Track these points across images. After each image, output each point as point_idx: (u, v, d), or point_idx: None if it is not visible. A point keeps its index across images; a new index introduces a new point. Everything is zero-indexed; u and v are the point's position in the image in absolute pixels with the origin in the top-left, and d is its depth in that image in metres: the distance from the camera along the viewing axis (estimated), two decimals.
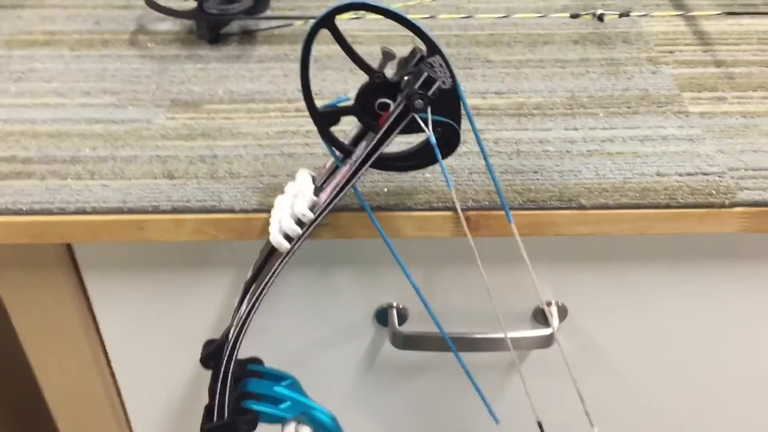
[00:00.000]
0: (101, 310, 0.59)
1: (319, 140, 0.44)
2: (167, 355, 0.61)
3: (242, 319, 0.46)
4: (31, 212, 0.49)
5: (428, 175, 0.51)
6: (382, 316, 0.59)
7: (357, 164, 0.43)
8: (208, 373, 0.48)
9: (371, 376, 0.64)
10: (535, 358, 0.62)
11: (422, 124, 0.41)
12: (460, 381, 0.65)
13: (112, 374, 0.63)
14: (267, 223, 0.48)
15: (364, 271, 0.57)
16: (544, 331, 0.56)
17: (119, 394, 0.65)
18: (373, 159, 0.43)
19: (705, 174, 0.51)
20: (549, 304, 0.59)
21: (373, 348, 0.61)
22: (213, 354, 0.47)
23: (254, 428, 0.48)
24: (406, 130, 0.42)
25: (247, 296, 0.46)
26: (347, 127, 0.45)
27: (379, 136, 0.42)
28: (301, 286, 0.57)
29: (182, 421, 0.66)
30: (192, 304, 0.58)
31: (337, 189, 0.43)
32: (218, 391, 0.47)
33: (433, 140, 0.42)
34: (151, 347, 0.61)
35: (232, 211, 0.49)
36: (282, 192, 0.48)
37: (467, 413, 0.67)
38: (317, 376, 0.60)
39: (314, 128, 0.43)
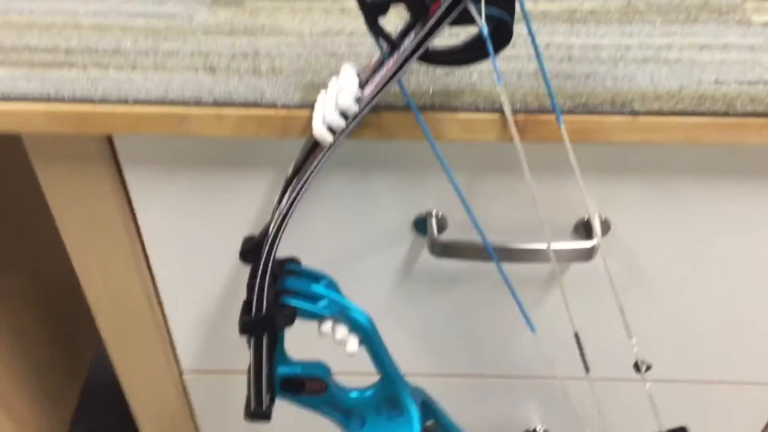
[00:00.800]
0: (141, 206, 0.59)
1: (363, 40, 0.42)
2: (206, 253, 0.62)
3: (282, 214, 0.46)
4: (73, 100, 0.49)
5: (475, 76, 0.50)
6: (420, 224, 0.59)
7: (404, 56, 0.41)
8: (246, 272, 0.48)
9: (407, 285, 0.63)
10: (573, 273, 0.61)
11: (475, 15, 0.40)
12: (497, 293, 0.65)
13: (151, 271, 0.64)
14: (309, 121, 0.47)
15: (404, 177, 0.56)
16: (587, 244, 0.55)
17: (157, 292, 0.66)
18: (421, 51, 0.41)
19: (767, 83, 0.48)
20: (592, 216, 0.57)
21: (411, 256, 0.61)
22: (252, 249, 0.47)
23: (291, 323, 0.48)
24: (457, 22, 0.40)
25: (288, 191, 0.46)
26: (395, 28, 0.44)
27: (428, 26, 0.40)
28: (341, 190, 0.57)
29: (220, 319, 0.67)
30: (231, 201, 0.58)
31: (383, 81, 0.42)
32: (257, 286, 0.47)
33: (486, 32, 0.40)
34: (190, 244, 0.61)
35: (274, 106, 0.48)
36: (326, 88, 0.47)
37: (502, 326, 0.67)
38: (352, 283, 0.59)
39: (359, 29, 0.41)
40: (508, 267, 0.53)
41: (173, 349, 0.70)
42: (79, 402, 1.21)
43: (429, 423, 0.59)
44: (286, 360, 0.52)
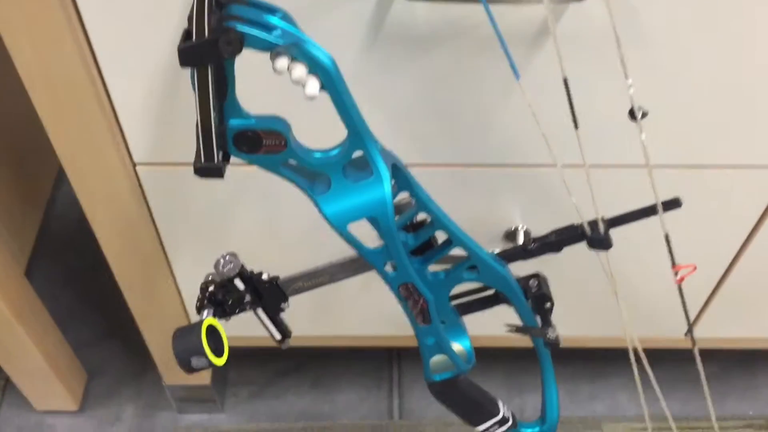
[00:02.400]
0: None
1: None
2: (147, 23, 0.54)
3: None
4: None
5: None
6: None
7: None
8: None
9: (378, 50, 0.57)
10: (567, 28, 0.55)
11: None
12: (478, 59, 0.58)
13: (90, 46, 0.57)
14: None
15: None
16: None
17: (99, 71, 0.59)
18: None
19: None
20: None
21: (381, 8, 0.54)
22: None
23: (238, 51, 0.41)
24: None
25: None
26: None
27: None
28: None
29: (171, 103, 0.60)
30: None
31: None
32: (195, 8, 0.41)
33: None
34: (131, 15, 0.54)
35: None
36: None
37: (483, 104, 0.61)
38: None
39: None
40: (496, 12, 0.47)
41: (122, 135, 0.63)
42: (39, 238, 1.16)
43: (404, 197, 0.54)
44: (238, 111, 0.46)
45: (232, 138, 0.47)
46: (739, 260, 0.77)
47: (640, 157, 0.52)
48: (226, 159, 0.48)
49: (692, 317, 0.87)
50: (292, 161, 0.49)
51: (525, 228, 0.73)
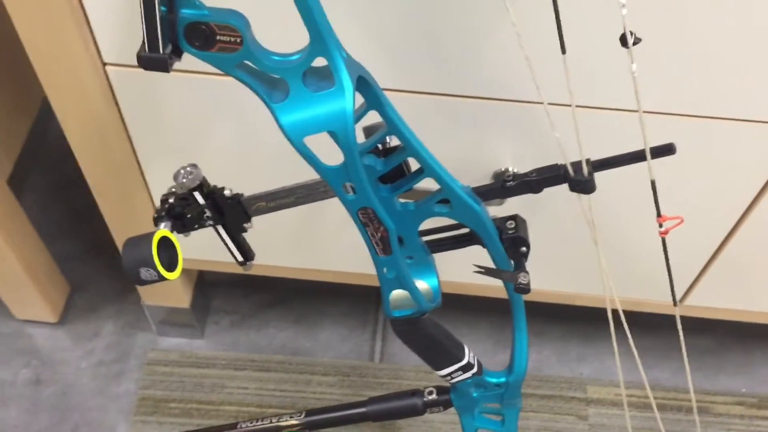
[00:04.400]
0: None
1: None
2: None
3: None
4: None
5: None
6: None
7: None
8: None
9: None
10: None
11: None
12: None
13: None
14: None
15: None
16: None
17: None
18: None
19: None
20: None
21: None
22: None
23: None
24: None
25: None
26: None
27: None
28: None
29: None
30: None
31: None
32: None
33: None
34: None
35: None
36: None
37: (471, 25, 0.56)
38: None
39: None
40: None
41: (91, 33, 0.60)
42: (33, 149, 1.14)
43: (378, 121, 0.51)
44: (192, 1, 0.43)
45: (184, 30, 0.43)
46: (741, 227, 0.73)
47: (632, 101, 0.48)
48: (177, 54, 0.44)
49: (687, 285, 0.83)
50: (249, 63, 0.45)
51: (515, 170, 0.69)
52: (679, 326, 0.63)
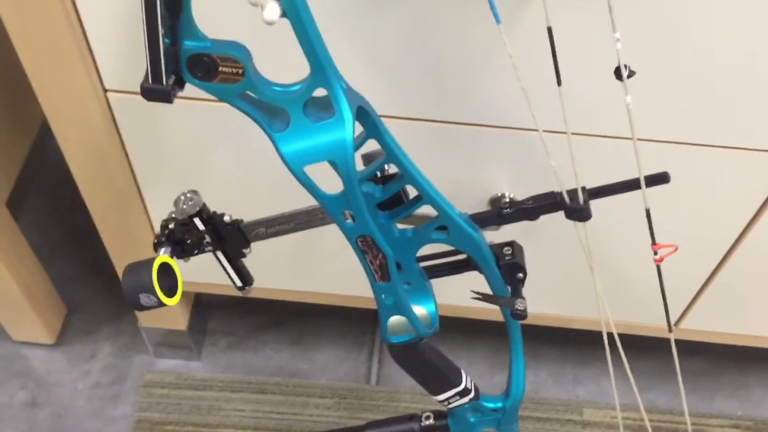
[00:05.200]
0: None
1: None
2: None
3: None
4: None
5: None
6: None
7: None
8: None
9: None
10: None
11: None
12: (466, 7, 0.54)
13: None
14: None
15: None
16: None
17: None
18: None
19: None
20: None
21: None
22: None
23: None
24: None
25: None
26: None
27: None
28: None
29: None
30: None
31: None
32: None
33: None
34: None
35: None
36: None
37: (470, 59, 0.57)
38: None
39: None
40: None
41: (93, 59, 0.61)
42: (32, 170, 1.15)
43: (377, 148, 0.51)
44: (194, 33, 0.43)
45: (187, 61, 0.44)
46: (735, 252, 0.74)
47: (627, 129, 0.49)
48: (180, 85, 0.45)
49: (682, 308, 0.83)
50: (251, 93, 0.46)
51: (511, 195, 0.70)
52: (674, 350, 0.63)
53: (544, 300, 0.85)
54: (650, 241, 0.54)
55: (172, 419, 0.99)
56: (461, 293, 0.82)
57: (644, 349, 0.92)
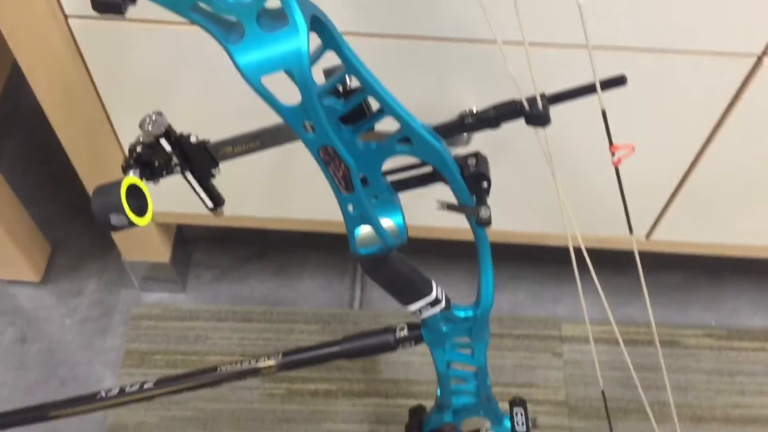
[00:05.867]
0: None
1: None
2: None
3: None
4: None
5: None
6: None
7: None
8: None
9: None
10: None
11: None
12: None
13: None
14: None
15: None
16: None
17: None
18: None
19: None
20: None
21: None
22: None
23: None
24: None
25: None
26: None
27: None
28: None
29: None
30: None
31: None
32: None
33: None
34: None
35: None
36: None
37: None
38: None
39: None
40: None
41: None
42: (11, 112, 1.15)
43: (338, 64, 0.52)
44: None
45: None
46: (701, 160, 0.75)
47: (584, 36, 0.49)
48: None
49: (652, 219, 0.85)
50: (203, 5, 0.46)
51: (478, 110, 0.70)
52: (637, 257, 0.65)
53: (518, 218, 0.86)
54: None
55: (160, 349, 1.01)
56: (434, 214, 0.83)
57: (622, 266, 0.93)
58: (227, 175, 0.64)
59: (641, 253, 0.66)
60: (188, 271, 1.09)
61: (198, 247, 1.11)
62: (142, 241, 0.96)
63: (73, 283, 1.08)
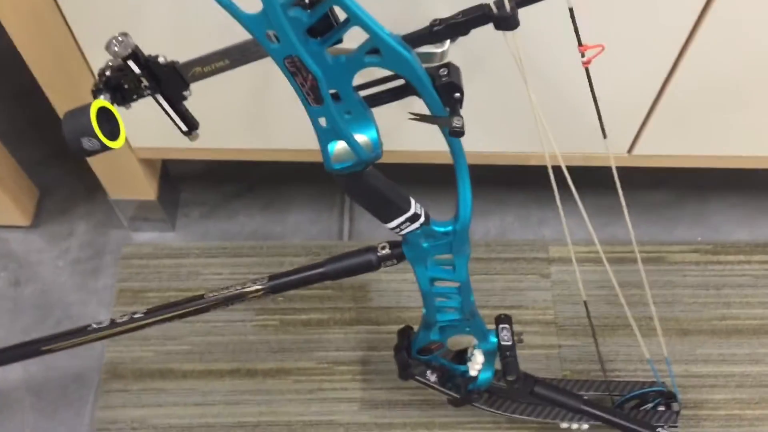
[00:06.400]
0: None
1: None
2: None
3: None
4: None
5: None
6: None
7: None
8: None
9: None
10: None
11: None
12: None
13: None
14: None
15: None
16: None
17: None
18: None
19: None
20: None
21: None
22: None
23: None
24: None
25: None
26: None
27: None
28: None
29: None
30: None
31: None
32: None
33: None
34: None
35: None
36: None
37: None
38: None
39: None
40: None
41: None
42: None
43: None
44: None
45: None
46: (679, 67, 0.74)
47: None
48: None
49: (634, 132, 0.84)
50: None
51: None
52: (615, 171, 0.65)
53: (497, 139, 0.86)
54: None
55: (153, 286, 1.03)
56: (417, 138, 0.83)
57: (607, 186, 0.94)
58: (207, 107, 0.64)
59: (625, 169, 0.66)
60: (176, 210, 1.09)
61: (185, 185, 1.11)
62: (126, 178, 0.96)
63: (63, 226, 1.08)
